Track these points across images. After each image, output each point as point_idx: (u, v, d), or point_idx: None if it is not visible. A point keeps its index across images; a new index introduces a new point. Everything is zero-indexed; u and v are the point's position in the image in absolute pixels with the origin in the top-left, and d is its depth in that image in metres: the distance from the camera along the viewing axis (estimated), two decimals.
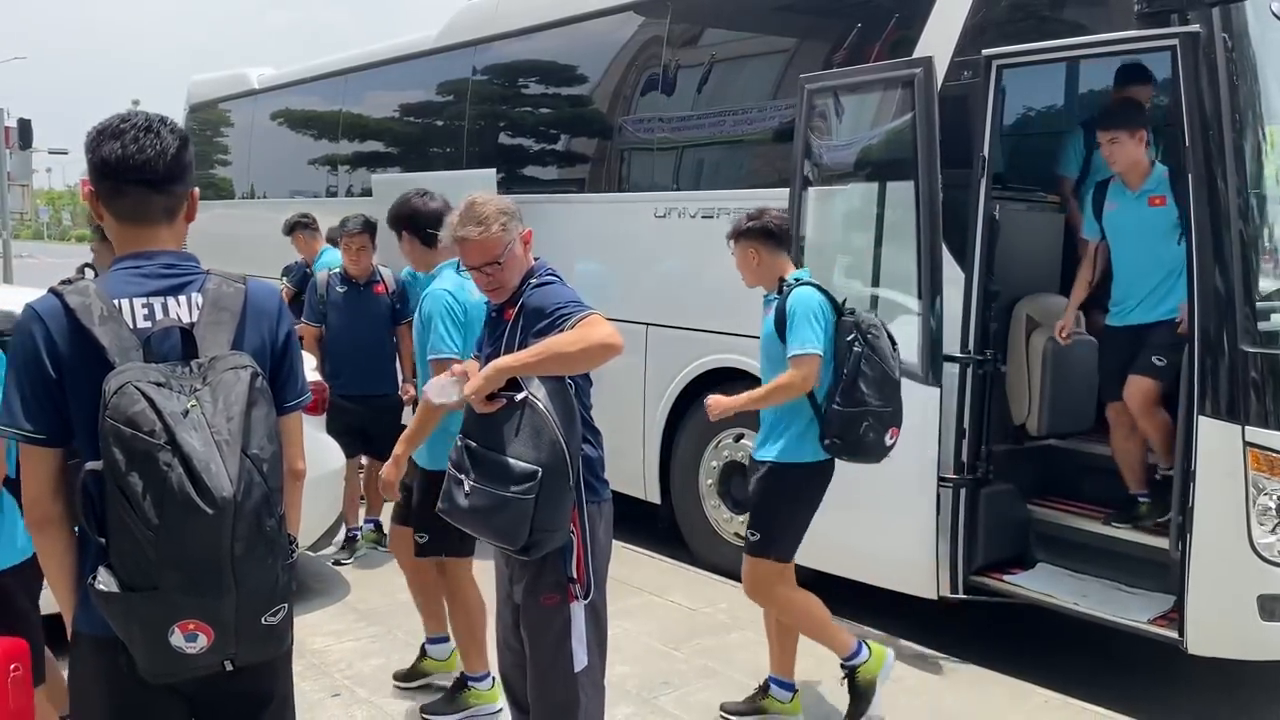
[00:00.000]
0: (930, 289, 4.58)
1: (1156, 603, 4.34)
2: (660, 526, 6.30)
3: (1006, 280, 4.84)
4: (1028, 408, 4.94)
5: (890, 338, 3.79)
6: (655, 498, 6.26)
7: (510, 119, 7.74)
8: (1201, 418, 3.99)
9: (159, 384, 1.81)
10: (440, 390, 2.93)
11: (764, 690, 4.08)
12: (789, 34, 5.95)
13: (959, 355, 4.62)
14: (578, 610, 2.90)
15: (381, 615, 5.07)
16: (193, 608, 1.80)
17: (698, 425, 6.00)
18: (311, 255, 6.95)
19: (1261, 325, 4.00)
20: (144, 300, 1.96)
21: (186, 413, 1.79)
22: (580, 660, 2.91)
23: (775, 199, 5.34)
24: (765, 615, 4.08)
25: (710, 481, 5.91)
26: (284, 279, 7.25)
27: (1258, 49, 4.01)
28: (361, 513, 6.17)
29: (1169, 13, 4.04)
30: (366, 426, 5.86)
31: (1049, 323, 4.95)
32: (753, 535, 3.88)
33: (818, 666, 4.33)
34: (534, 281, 2.94)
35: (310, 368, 5.39)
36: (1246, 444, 3.91)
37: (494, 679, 3.98)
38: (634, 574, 5.58)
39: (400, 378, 6.02)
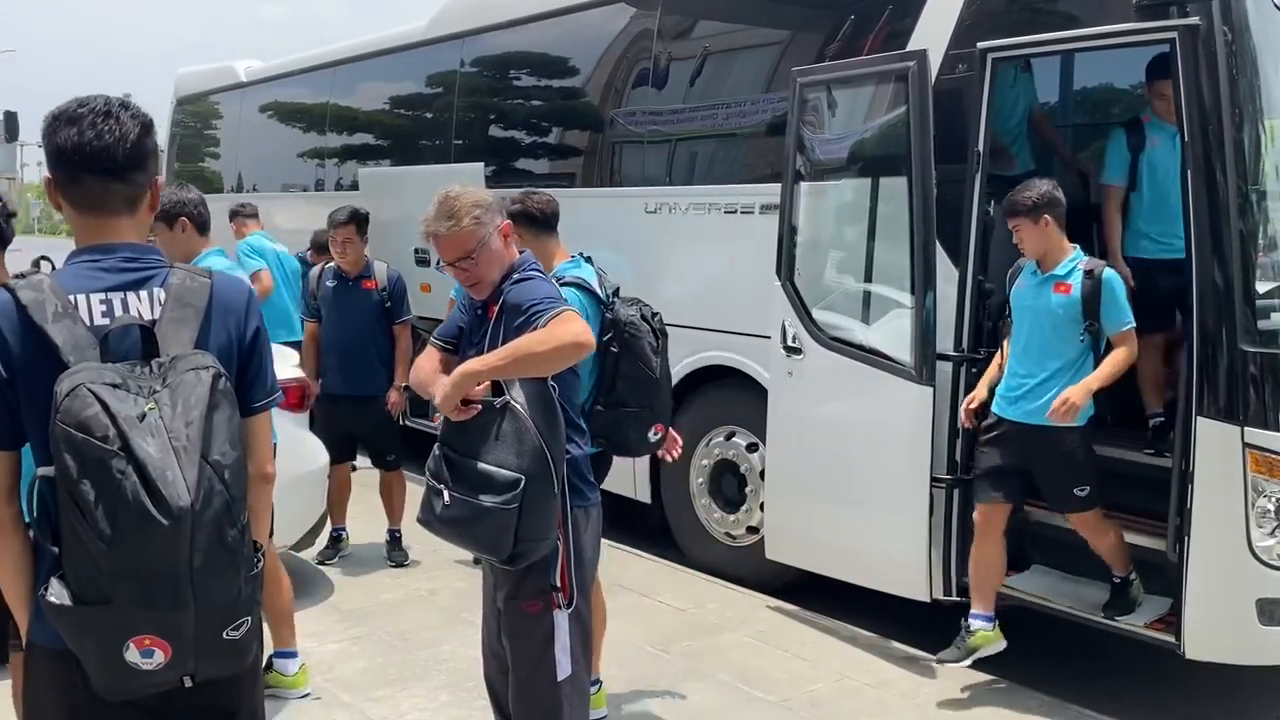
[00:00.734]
0: (923, 285, 4.52)
1: (1153, 606, 4.27)
2: (650, 526, 6.23)
3: (1001, 277, 4.76)
4: None
5: (656, 334, 3.71)
6: (645, 497, 6.18)
7: (498, 112, 7.66)
8: (1199, 418, 3.90)
9: (114, 385, 1.72)
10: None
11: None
12: (781, 26, 5.88)
13: (952, 353, 4.55)
14: (561, 618, 2.82)
15: (365, 616, 4.99)
16: (148, 622, 1.71)
17: (689, 423, 5.92)
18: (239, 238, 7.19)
19: (1261, 323, 3.92)
20: (102, 296, 1.87)
21: (143, 416, 1.70)
22: (564, 669, 2.83)
23: (767, 194, 5.30)
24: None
25: (701, 480, 5.83)
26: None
27: (1258, 42, 3.94)
28: (353, 513, 6.05)
29: (1168, 5, 3.97)
30: (352, 429, 5.76)
31: None
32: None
33: (812, 669, 4.25)
34: (515, 277, 2.86)
35: (292, 364, 5.29)
36: (1245, 445, 3.83)
37: (303, 664, 4.12)
38: (623, 574, 5.51)
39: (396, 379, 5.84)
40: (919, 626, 4.79)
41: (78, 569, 1.71)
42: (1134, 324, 4.09)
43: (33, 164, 59.00)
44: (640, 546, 6.03)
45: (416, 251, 7.42)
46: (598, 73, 6.75)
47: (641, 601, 5.24)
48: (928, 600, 4.65)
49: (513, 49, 7.40)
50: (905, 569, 4.67)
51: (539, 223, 3.79)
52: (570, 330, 2.65)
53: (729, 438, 5.68)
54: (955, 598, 4.59)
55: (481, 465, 2.60)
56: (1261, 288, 3.96)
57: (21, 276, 1.89)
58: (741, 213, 5.56)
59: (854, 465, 4.81)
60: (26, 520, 1.90)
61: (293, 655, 4.14)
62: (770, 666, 4.49)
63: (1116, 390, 4.79)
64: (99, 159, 1.89)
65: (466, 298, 2.99)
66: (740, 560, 5.60)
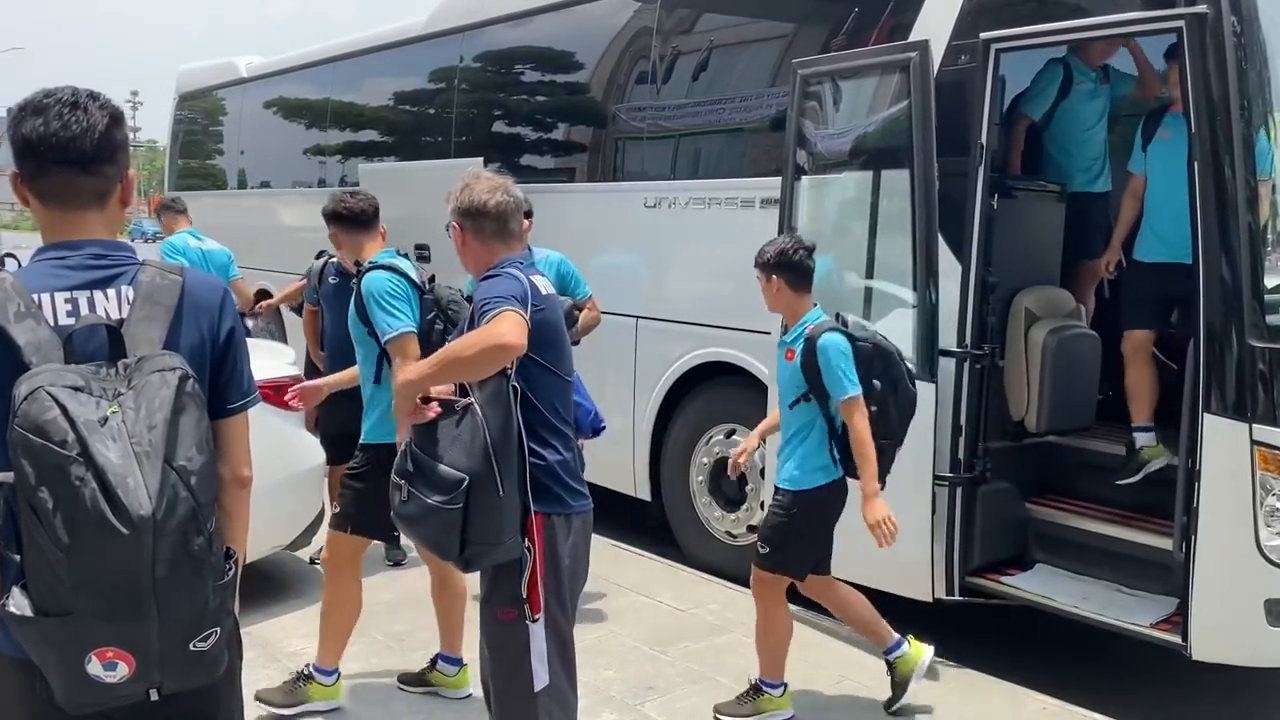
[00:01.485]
0: (926, 281, 4.45)
1: (1159, 606, 4.20)
2: (650, 524, 6.17)
3: (1005, 272, 4.68)
4: (1026, 404, 4.79)
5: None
6: (645, 495, 6.12)
7: (499, 107, 7.59)
8: (1207, 415, 3.83)
9: (76, 388, 1.66)
10: None
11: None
12: (782, 18, 5.81)
13: (955, 349, 4.48)
14: (536, 627, 2.73)
15: (361, 616, 4.92)
16: (110, 634, 1.65)
17: (689, 420, 5.87)
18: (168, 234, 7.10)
19: (1270, 319, 3.84)
20: (67, 294, 1.81)
21: (105, 420, 1.64)
22: (541, 679, 2.74)
23: (767, 188, 5.23)
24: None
25: (701, 478, 5.78)
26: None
27: (1268, 32, 3.86)
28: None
29: None
30: (351, 428, 5.70)
31: (1049, 316, 4.80)
32: None
33: (812, 669, 4.19)
34: (486, 274, 2.82)
35: (287, 361, 5.24)
36: (1254, 442, 3.76)
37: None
38: (621, 573, 5.45)
39: None
40: (920, 626, 4.72)
41: (39, 579, 1.65)
42: (858, 392, 3.66)
43: None
44: (640, 546, 5.97)
45: (417, 248, 7.37)
46: (597, 67, 6.68)
47: (640, 601, 5.18)
48: (930, 600, 4.59)
49: (512, 44, 7.34)
50: (907, 568, 4.61)
51: (346, 220, 4.01)
52: (493, 332, 2.55)
53: (729, 435, 5.62)
54: (958, 597, 4.53)
55: (441, 466, 2.59)
56: (1270, 282, 3.88)
57: None
58: (741, 206, 5.50)
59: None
60: None
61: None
62: None
63: (1116, 389, 4.73)
64: (66, 150, 1.83)
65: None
66: (741, 559, 5.52)
